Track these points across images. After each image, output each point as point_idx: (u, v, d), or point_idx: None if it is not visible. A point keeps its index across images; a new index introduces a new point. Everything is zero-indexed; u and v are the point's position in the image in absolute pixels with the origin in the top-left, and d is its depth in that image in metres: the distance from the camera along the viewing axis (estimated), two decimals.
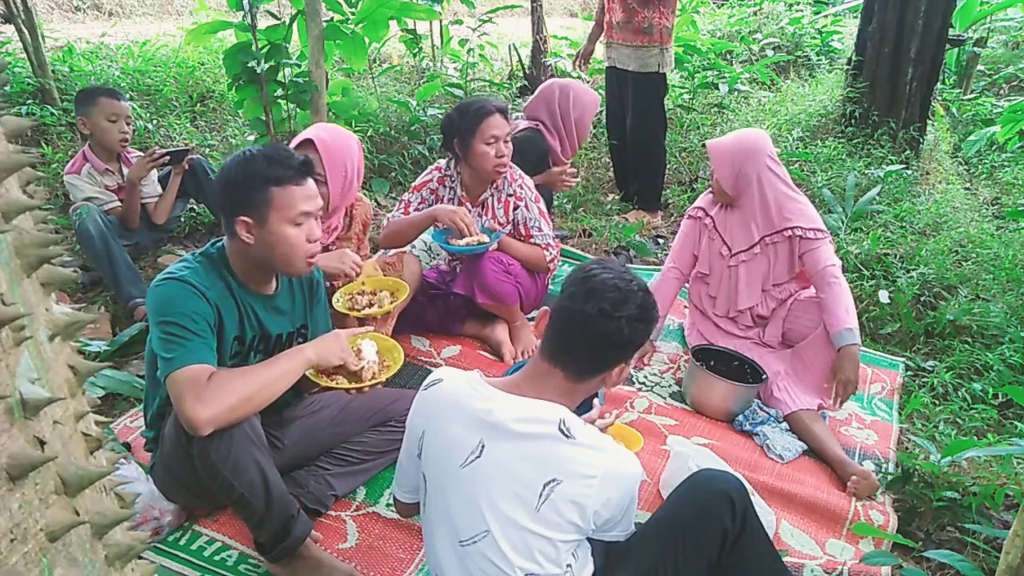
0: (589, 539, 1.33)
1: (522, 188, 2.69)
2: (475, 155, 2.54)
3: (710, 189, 2.67)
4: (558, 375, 1.29)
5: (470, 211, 2.67)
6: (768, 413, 2.41)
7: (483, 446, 1.24)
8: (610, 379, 1.33)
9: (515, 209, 2.68)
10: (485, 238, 2.51)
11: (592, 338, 1.26)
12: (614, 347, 1.28)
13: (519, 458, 1.22)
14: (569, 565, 1.26)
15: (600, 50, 4.32)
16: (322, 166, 2.16)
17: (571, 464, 1.21)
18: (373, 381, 1.69)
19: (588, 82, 5.74)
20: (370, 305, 2.15)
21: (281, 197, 1.57)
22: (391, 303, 2.14)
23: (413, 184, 2.74)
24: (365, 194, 4.04)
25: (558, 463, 1.21)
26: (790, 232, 2.50)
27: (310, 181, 1.64)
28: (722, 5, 8.71)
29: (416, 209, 2.64)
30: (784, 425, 2.39)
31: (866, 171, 4.39)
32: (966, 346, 2.91)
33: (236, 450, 1.50)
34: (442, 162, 2.74)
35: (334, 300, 2.10)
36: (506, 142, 2.56)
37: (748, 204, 2.53)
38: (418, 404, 1.36)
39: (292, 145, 2.21)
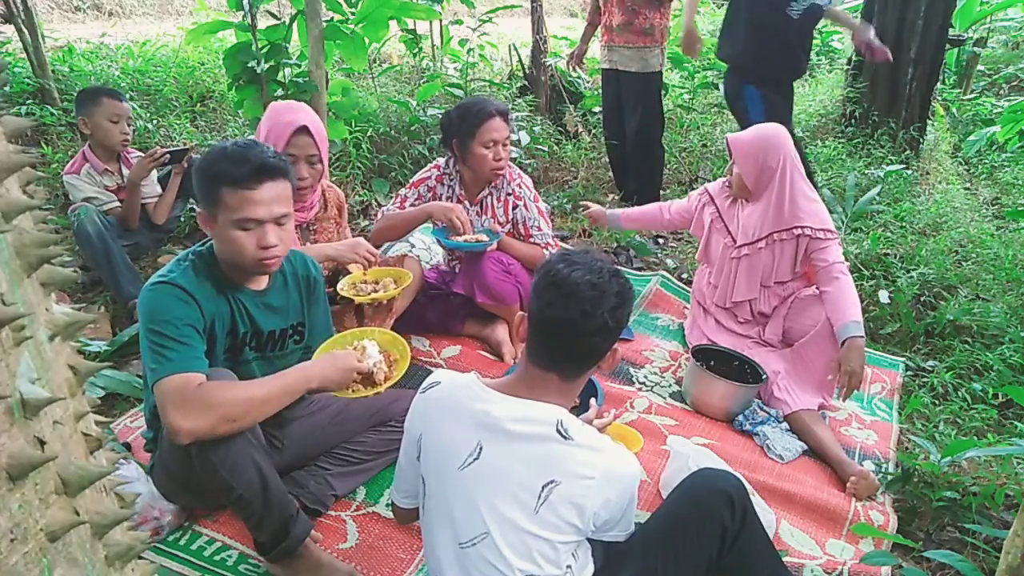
0: (589, 540, 1.32)
1: (521, 187, 2.69)
2: (474, 157, 2.55)
3: (725, 179, 2.69)
4: (553, 378, 1.29)
5: (468, 210, 2.67)
6: (768, 413, 2.41)
7: (481, 448, 1.24)
8: (604, 366, 1.34)
9: (514, 208, 2.68)
10: (484, 237, 2.51)
11: (580, 340, 1.26)
12: (602, 340, 1.28)
13: (517, 459, 1.22)
14: (569, 566, 1.26)
15: (596, 51, 4.32)
16: (316, 147, 2.16)
17: (569, 465, 1.21)
18: (388, 383, 1.67)
19: (588, 82, 5.74)
20: (375, 292, 2.15)
21: (230, 199, 1.52)
22: (396, 289, 2.15)
23: (411, 180, 2.74)
24: (365, 194, 4.06)
25: (556, 464, 1.21)
26: (799, 231, 2.50)
27: (271, 185, 1.55)
28: (722, 5, 8.70)
29: (412, 206, 2.64)
30: (784, 425, 2.39)
31: (866, 171, 4.39)
32: (966, 346, 2.91)
33: (234, 451, 1.50)
34: (441, 160, 2.73)
35: (338, 286, 2.10)
36: (504, 145, 2.56)
37: (766, 199, 2.53)
38: (416, 407, 1.36)
39: (288, 132, 2.13)
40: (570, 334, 1.25)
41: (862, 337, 2.29)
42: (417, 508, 1.40)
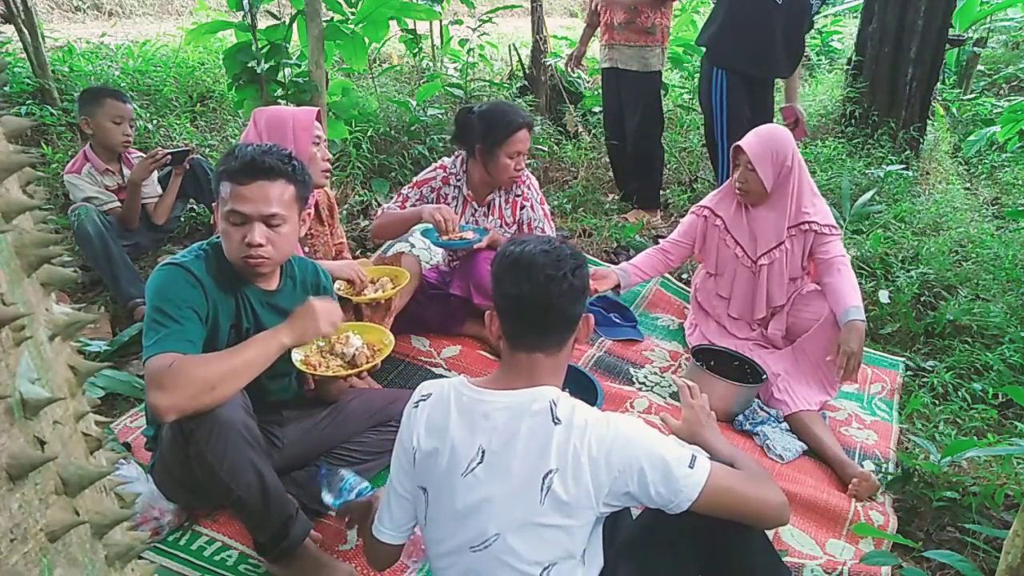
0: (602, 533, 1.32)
1: (529, 189, 2.70)
2: (497, 166, 2.56)
3: (727, 189, 2.67)
4: (540, 357, 1.29)
5: (476, 210, 2.69)
6: (768, 413, 2.41)
7: (483, 451, 1.23)
8: (581, 335, 1.35)
9: (521, 209, 2.70)
10: (471, 235, 2.52)
11: (553, 306, 1.27)
12: (572, 302, 1.30)
13: (518, 456, 1.22)
14: (584, 550, 1.26)
15: (596, 51, 4.32)
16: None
17: (565, 449, 1.20)
18: (367, 365, 1.69)
19: (588, 82, 5.74)
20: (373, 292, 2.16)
21: (224, 191, 1.60)
22: (393, 288, 2.16)
23: (415, 180, 2.73)
24: (366, 194, 4.06)
25: (553, 451, 1.20)
26: (806, 227, 2.53)
27: (264, 183, 1.58)
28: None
29: (413, 206, 2.65)
30: (784, 425, 2.39)
31: (866, 171, 4.39)
32: (966, 346, 2.91)
33: (232, 452, 1.50)
34: (447, 160, 2.73)
35: (336, 286, 2.11)
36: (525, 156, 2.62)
37: (782, 198, 2.54)
38: (408, 420, 1.33)
39: (312, 116, 2.22)
40: (543, 304, 1.26)
41: (863, 321, 2.31)
42: (399, 546, 1.39)
